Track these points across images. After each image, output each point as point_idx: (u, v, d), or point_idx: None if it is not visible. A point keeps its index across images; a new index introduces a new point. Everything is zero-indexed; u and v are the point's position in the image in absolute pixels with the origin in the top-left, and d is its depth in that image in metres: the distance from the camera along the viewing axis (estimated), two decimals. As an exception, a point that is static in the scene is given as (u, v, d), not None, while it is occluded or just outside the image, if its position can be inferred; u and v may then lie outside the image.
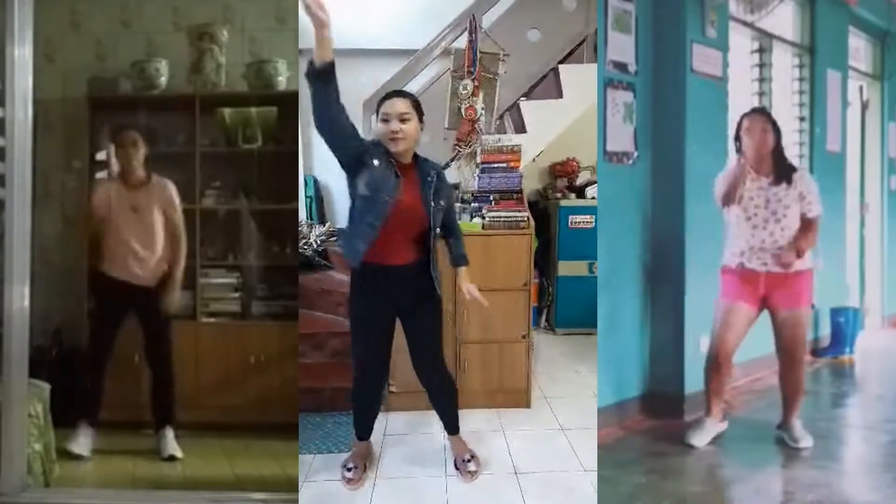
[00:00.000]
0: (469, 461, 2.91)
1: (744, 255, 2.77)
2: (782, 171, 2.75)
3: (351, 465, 2.88)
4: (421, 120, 2.55)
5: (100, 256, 2.94)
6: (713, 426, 2.86)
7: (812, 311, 2.83)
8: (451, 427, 2.99)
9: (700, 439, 2.81)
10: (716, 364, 2.82)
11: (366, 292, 2.60)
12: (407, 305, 2.64)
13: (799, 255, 2.73)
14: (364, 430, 2.96)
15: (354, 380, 2.80)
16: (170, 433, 2.98)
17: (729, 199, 2.75)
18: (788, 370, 2.82)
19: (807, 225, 2.76)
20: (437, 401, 2.92)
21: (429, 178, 2.55)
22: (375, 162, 2.42)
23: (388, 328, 2.68)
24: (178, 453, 2.95)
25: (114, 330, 2.96)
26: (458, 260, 2.86)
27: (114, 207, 2.93)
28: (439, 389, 2.88)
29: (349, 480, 2.82)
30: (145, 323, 2.98)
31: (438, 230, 2.63)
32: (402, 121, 2.44)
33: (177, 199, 3.01)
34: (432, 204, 2.53)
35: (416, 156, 2.62)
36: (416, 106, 2.52)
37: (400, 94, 2.56)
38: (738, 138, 2.80)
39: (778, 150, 2.77)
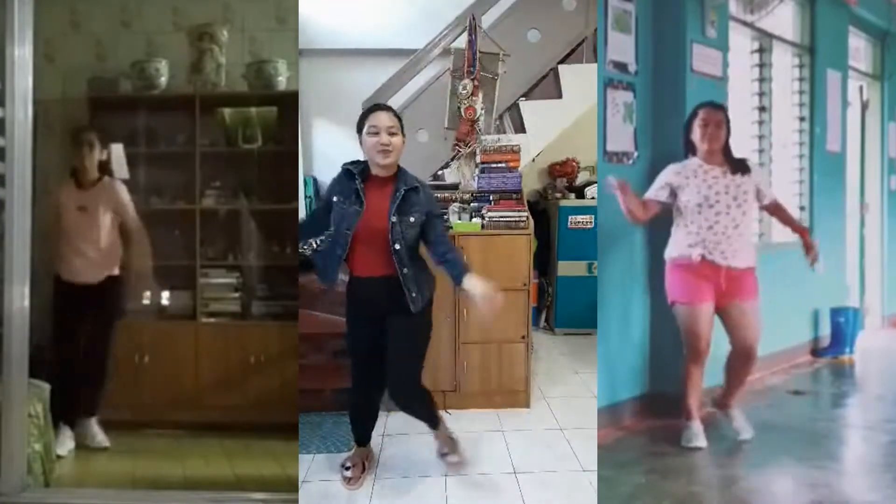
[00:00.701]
0: (448, 454, 2.92)
1: (705, 244, 2.74)
2: (735, 164, 2.79)
3: (349, 464, 2.88)
4: (403, 134, 2.56)
5: (54, 258, 2.97)
6: (699, 426, 2.85)
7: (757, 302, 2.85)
8: (432, 424, 2.96)
9: (700, 439, 2.81)
10: (693, 370, 2.81)
11: (354, 302, 2.66)
12: (387, 317, 2.60)
13: (809, 246, 2.86)
14: (362, 437, 2.97)
15: (350, 388, 2.81)
16: (94, 423, 3.03)
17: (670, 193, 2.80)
18: (744, 363, 2.82)
19: (776, 210, 2.87)
20: (409, 412, 2.84)
21: (396, 193, 2.51)
22: (335, 199, 2.54)
23: (378, 337, 2.63)
24: (106, 443, 3.00)
25: (75, 329, 2.97)
26: (457, 278, 2.51)
27: (63, 208, 2.97)
28: (411, 405, 2.78)
29: (348, 480, 2.82)
30: (90, 320, 3.00)
31: (406, 246, 2.52)
32: (391, 134, 2.47)
33: (126, 198, 3.03)
34: (393, 219, 2.48)
35: (399, 169, 2.61)
36: (399, 119, 2.55)
37: (384, 107, 2.57)
38: (688, 131, 2.81)
39: (727, 147, 2.80)
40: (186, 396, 3.09)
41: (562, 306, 5.40)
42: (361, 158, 2.63)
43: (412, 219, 2.53)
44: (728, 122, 2.79)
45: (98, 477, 2.77)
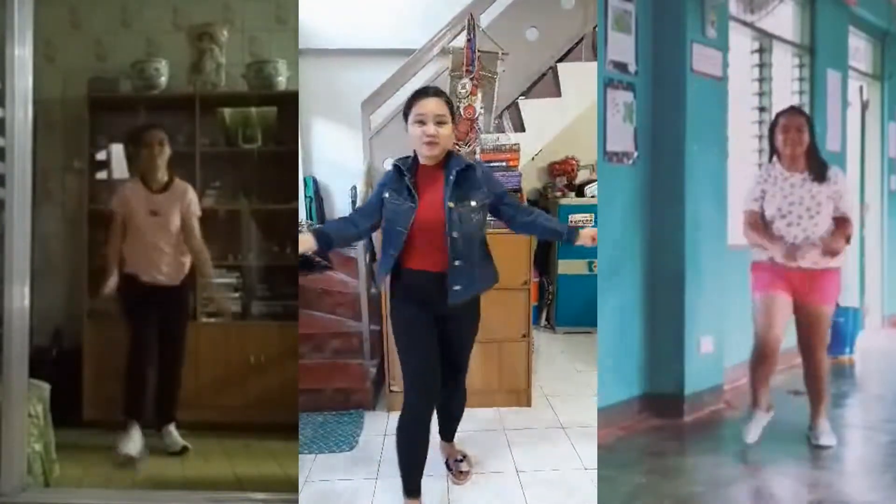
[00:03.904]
0: (461, 461, 2.91)
1: (775, 252, 2.73)
2: (817, 169, 2.74)
3: None
4: (454, 121, 2.37)
5: (126, 259, 2.92)
6: (762, 417, 2.81)
7: (834, 310, 2.84)
8: (449, 436, 2.97)
9: (753, 434, 2.77)
10: (762, 357, 2.76)
11: (406, 297, 2.43)
12: (443, 312, 2.41)
13: (847, 241, 2.73)
14: (414, 481, 2.53)
15: (405, 406, 2.45)
16: (174, 429, 3.02)
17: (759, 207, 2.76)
18: (808, 367, 2.82)
19: (840, 224, 2.75)
20: (445, 412, 2.86)
21: (448, 178, 2.32)
22: (387, 195, 2.36)
23: (433, 338, 2.44)
24: (188, 445, 2.99)
25: (153, 330, 2.96)
26: (562, 234, 2.44)
27: (134, 210, 2.90)
28: (452, 403, 2.80)
29: None
30: (165, 323, 2.98)
31: (465, 235, 2.32)
32: (439, 123, 2.26)
33: (196, 205, 3.00)
34: (449, 204, 2.28)
35: (448, 154, 2.40)
36: (450, 106, 2.33)
37: (434, 92, 2.34)
38: (772, 137, 2.79)
39: (813, 149, 2.76)
40: (186, 396, 3.09)
41: (562, 305, 5.40)
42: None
43: (473, 202, 2.33)
44: (811, 126, 2.76)
45: (99, 477, 2.77)
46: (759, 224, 2.77)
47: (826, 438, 2.80)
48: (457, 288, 2.33)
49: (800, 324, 2.80)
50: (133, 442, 2.89)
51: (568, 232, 2.45)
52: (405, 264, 2.38)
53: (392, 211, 2.35)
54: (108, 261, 2.92)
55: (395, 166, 2.40)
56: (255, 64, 3.40)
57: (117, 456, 2.85)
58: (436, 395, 2.47)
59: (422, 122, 2.25)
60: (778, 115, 2.80)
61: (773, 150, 2.81)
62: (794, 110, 2.82)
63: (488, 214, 2.45)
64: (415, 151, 2.39)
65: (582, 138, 4.71)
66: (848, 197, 2.76)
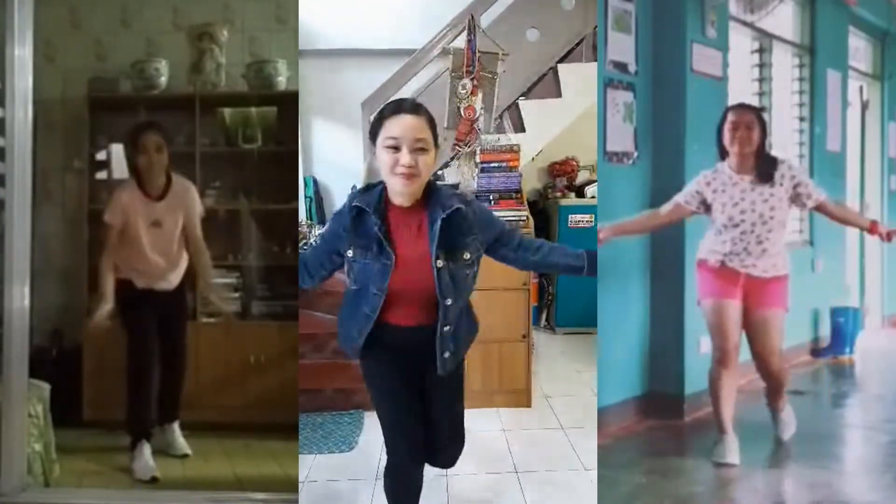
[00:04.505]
0: None
1: (727, 255, 2.62)
2: (764, 170, 2.56)
3: None
4: (437, 144, 1.83)
5: (121, 265, 2.84)
6: (733, 440, 2.64)
7: (786, 315, 2.69)
8: None
9: (734, 455, 2.60)
10: (725, 367, 2.63)
11: (382, 350, 2.03)
12: (426, 369, 2.06)
13: (881, 234, 2.59)
14: None
15: (389, 461, 2.24)
16: (177, 427, 3.01)
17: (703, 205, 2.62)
18: (763, 372, 2.73)
19: (827, 210, 2.65)
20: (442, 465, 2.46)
21: (433, 226, 1.83)
22: (350, 252, 1.89)
23: (415, 386, 2.11)
24: (188, 450, 2.97)
25: (152, 337, 2.90)
26: (581, 269, 2.05)
27: (133, 221, 2.78)
28: (451, 458, 2.40)
29: None
30: (164, 326, 2.94)
31: (461, 297, 1.96)
32: (417, 150, 1.73)
33: (198, 204, 2.90)
34: (438, 264, 1.83)
35: (429, 187, 1.89)
36: (433, 127, 1.81)
37: (413, 108, 1.81)
38: (719, 135, 2.60)
39: (762, 148, 2.57)
40: (186, 396, 3.08)
41: (562, 305, 5.41)
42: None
43: (467, 255, 1.87)
44: (762, 122, 2.57)
45: (97, 476, 2.77)
46: (671, 215, 2.67)
47: (789, 430, 2.78)
48: (447, 355, 1.99)
49: (751, 331, 2.66)
50: (147, 461, 2.78)
51: (589, 262, 2.04)
52: (382, 319, 1.94)
53: (360, 271, 1.90)
54: (103, 282, 2.75)
55: (356, 207, 1.85)
56: (255, 64, 3.40)
57: (136, 478, 2.76)
58: (421, 446, 2.17)
59: (395, 148, 1.73)
60: (727, 111, 2.60)
61: (721, 150, 2.61)
62: (744, 107, 2.60)
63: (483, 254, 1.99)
64: (382, 182, 1.88)
65: (582, 138, 4.72)
66: (807, 191, 2.58)
